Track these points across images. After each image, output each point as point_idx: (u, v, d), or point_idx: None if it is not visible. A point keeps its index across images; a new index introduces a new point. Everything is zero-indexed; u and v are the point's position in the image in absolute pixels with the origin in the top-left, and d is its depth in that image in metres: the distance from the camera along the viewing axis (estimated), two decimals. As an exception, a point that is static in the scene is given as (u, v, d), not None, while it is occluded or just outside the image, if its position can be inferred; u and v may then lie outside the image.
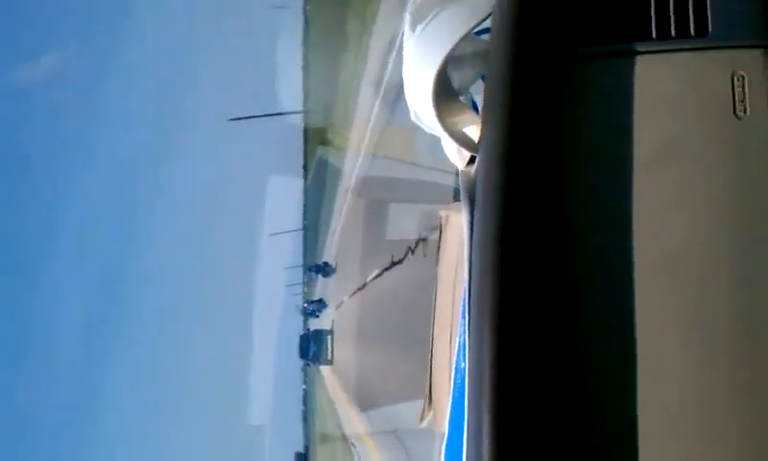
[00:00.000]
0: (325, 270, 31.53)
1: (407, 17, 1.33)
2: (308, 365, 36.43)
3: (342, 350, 25.90)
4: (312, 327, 35.61)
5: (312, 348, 32.22)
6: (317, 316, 35.96)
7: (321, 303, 34.61)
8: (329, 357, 30.42)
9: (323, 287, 33.21)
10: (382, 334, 14.47)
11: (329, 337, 30.18)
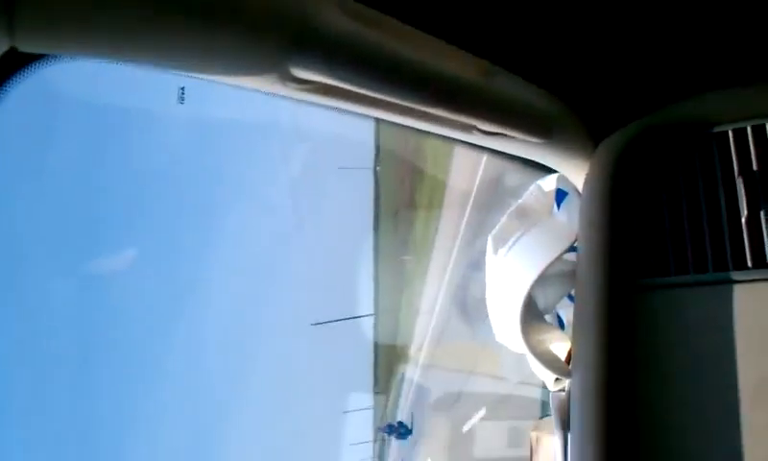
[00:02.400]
0: None
1: (490, 240, 1.35)
2: None
3: None
4: None
5: None
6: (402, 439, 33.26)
7: (403, 429, 31.26)
8: None
9: None
10: None
11: None
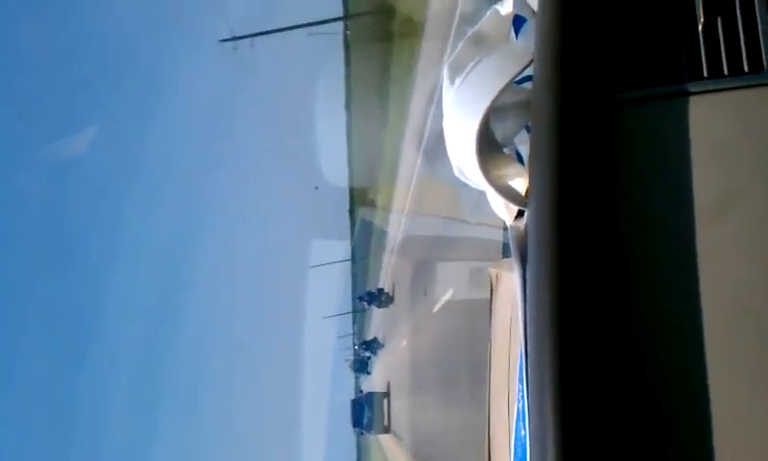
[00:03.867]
0: (374, 346, 30.11)
1: (445, 70, 1.29)
2: (362, 434, 32.63)
3: (400, 414, 23.72)
4: (365, 390, 32.49)
5: (366, 414, 28.65)
6: (368, 372, 33.80)
7: (375, 344, 31.21)
8: (386, 423, 26.96)
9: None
10: (442, 392, 14.16)
11: (385, 401, 26.92)
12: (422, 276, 16.29)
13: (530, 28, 1.31)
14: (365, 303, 29.17)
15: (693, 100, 1.10)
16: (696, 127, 1.08)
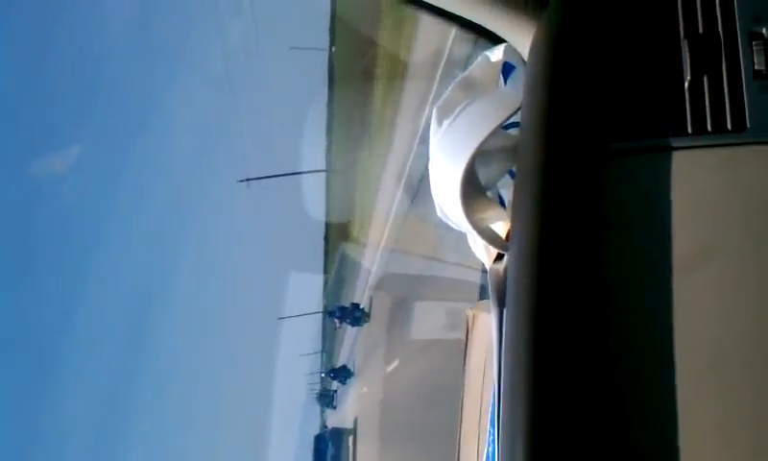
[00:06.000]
0: (343, 375, 28.14)
1: (434, 112, 1.30)
2: None
3: (366, 455, 22.72)
4: (330, 425, 30.53)
5: (330, 452, 26.89)
6: (333, 406, 31.94)
7: (344, 372, 27.91)
8: None
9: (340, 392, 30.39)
10: (410, 435, 14.00)
11: (351, 438, 25.25)
12: (401, 307, 16.17)
13: (519, 75, 1.33)
14: (336, 321, 25.41)
15: (676, 154, 1.12)
16: (678, 180, 1.10)
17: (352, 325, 23.92)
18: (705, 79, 1.13)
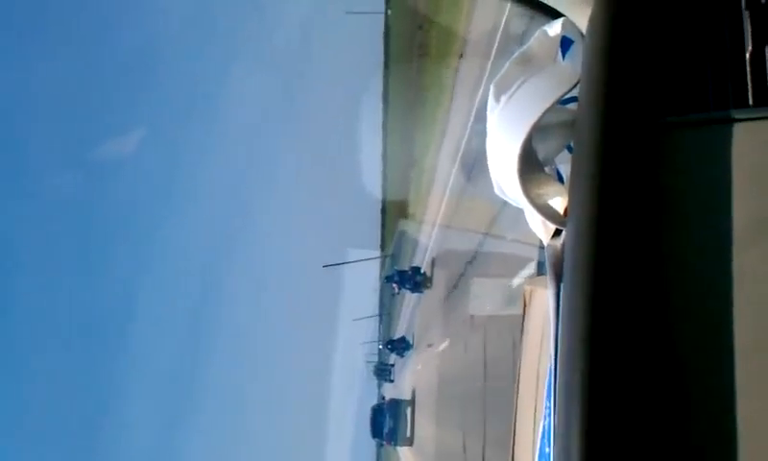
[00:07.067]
0: (402, 347, 28.13)
1: (492, 88, 1.30)
2: (382, 445, 29.32)
3: (424, 425, 22.10)
4: (387, 397, 29.41)
5: (388, 423, 25.77)
6: (391, 380, 30.97)
7: (403, 344, 27.06)
8: (408, 434, 24.58)
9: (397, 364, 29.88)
10: (466, 406, 13.98)
11: (409, 409, 24.77)
12: (458, 283, 16.10)
13: (577, 50, 1.32)
14: (395, 286, 23.70)
15: (737, 127, 1.10)
16: (738, 153, 1.09)
17: (412, 290, 23.00)
18: (767, 49, 1.11)
